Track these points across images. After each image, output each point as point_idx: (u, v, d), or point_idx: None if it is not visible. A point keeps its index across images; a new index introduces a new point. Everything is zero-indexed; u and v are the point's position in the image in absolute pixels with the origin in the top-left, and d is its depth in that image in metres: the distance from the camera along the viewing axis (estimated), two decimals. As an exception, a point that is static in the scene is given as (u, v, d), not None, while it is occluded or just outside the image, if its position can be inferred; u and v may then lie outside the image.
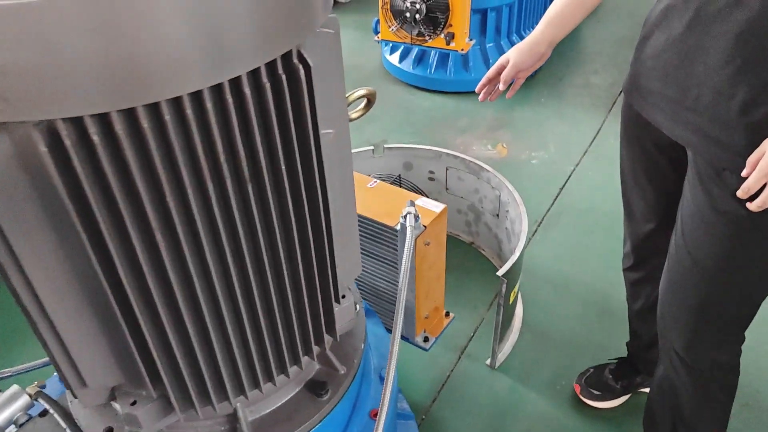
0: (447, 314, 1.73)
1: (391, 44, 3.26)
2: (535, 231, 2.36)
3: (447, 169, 2.19)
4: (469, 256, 2.26)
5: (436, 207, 1.50)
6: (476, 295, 2.09)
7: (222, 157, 0.72)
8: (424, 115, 3.14)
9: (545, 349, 1.91)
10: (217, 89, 0.67)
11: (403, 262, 1.26)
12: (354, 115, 1.13)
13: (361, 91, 1.13)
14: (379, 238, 1.49)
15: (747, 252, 1.12)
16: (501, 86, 1.44)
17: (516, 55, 1.40)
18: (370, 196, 1.55)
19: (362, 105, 1.15)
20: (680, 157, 1.22)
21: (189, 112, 0.66)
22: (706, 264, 1.17)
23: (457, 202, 2.25)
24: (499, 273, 1.61)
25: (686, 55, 1.06)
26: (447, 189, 2.24)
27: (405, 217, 1.37)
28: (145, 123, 0.64)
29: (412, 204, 1.40)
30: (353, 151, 2.17)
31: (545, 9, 3.59)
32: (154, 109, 0.63)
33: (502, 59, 1.42)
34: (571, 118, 3.03)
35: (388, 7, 2.90)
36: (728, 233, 1.11)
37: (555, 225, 2.38)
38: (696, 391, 1.34)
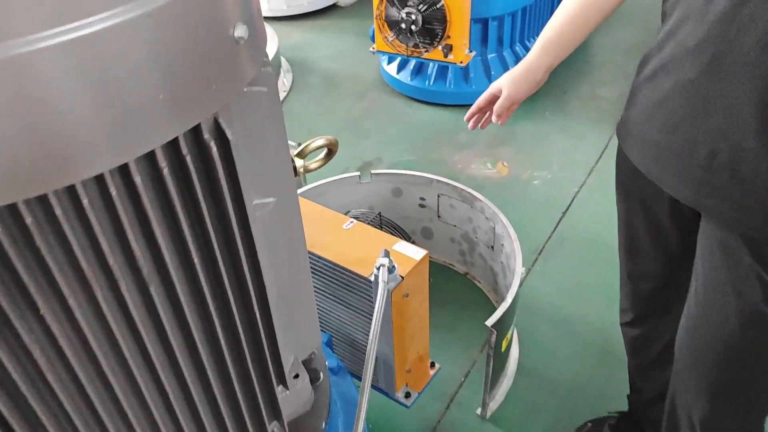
0: (432, 365, 1.59)
1: (388, 54, 3.11)
2: (535, 261, 2.21)
3: (439, 196, 2.05)
4: (464, 289, 2.12)
5: (416, 254, 1.36)
6: (469, 334, 1.94)
7: (110, 260, 0.58)
8: (421, 129, 2.99)
9: (542, 395, 1.76)
10: (103, 178, 0.54)
11: (373, 324, 1.13)
12: (312, 166, 1.00)
13: (320, 141, 1.00)
14: (353, 287, 1.36)
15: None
16: (494, 118, 1.31)
17: (510, 86, 1.26)
18: (344, 240, 1.41)
19: (323, 155, 1.02)
20: (687, 218, 1.07)
21: (85, 201, 0.53)
22: (726, 344, 1.02)
23: (450, 231, 2.11)
24: (488, 323, 1.47)
25: (700, 105, 0.90)
26: (439, 216, 2.10)
27: (378, 269, 1.23)
28: (28, 219, 0.51)
29: (387, 254, 1.26)
30: (342, 176, 2.04)
31: (550, 16, 3.43)
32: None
33: (493, 88, 1.28)
34: (576, 133, 2.86)
35: (383, 17, 2.75)
36: (748, 320, 0.96)
37: (556, 254, 2.23)
38: None
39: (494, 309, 1.98)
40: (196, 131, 0.61)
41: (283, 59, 3.61)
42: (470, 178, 2.64)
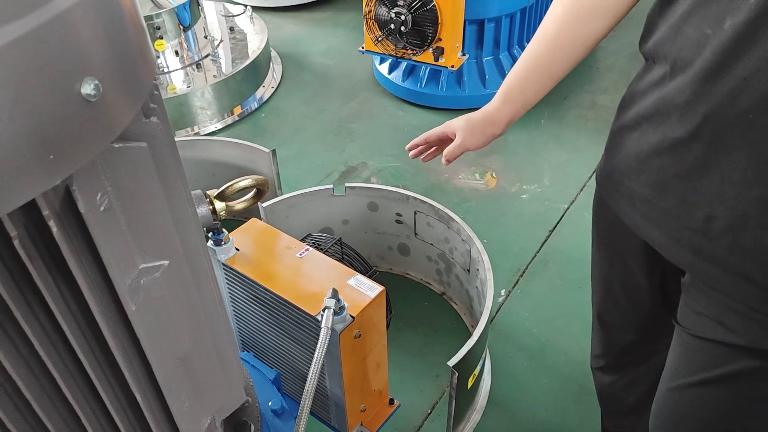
0: (392, 401, 1.49)
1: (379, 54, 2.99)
2: (516, 282, 2.10)
3: (415, 213, 1.94)
4: (439, 310, 2.01)
5: (372, 290, 1.25)
6: (439, 361, 1.83)
7: None
8: (410, 134, 2.86)
9: (512, 432, 1.67)
10: None
11: (311, 371, 1.03)
12: (238, 207, 0.90)
13: (245, 182, 0.90)
14: (301, 324, 1.26)
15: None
16: (443, 160, 1.19)
17: (466, 135, 1.14)
18: (296, 270, 1.31)
19: (250, 194, 0.91)
20: (668, 275, 0.98)
21: None
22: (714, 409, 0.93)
23: (427, 249, 2.00)
24: (450, 363, 1.37)
25: (692, 167, 0.80)
26: (416, 234, 1.99)
27: (323, 312, 1.13)
28: None
29: (335, 294, 1.16)
30: (315, 188, 1.94)
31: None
32: None
33: (447, 128, 1.17)
34: (571, 144, 2.74)
35: (372, 16, 2.63)
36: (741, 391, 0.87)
37: (539, 276, 2.12)
38: None
39: (469, 334, 1.88)
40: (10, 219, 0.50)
41: (274, 53, 3.49)
42: (457, 189, 2.53)
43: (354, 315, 1.20)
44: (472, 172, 2.60)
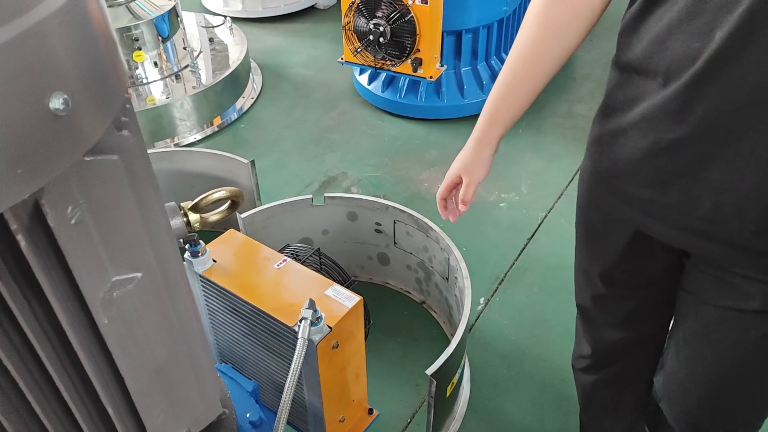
0: (370, 411, 1.50)
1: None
2: (495, 290, 2.12)
3: (395, 222, 1.95)
4: (419, 319, 2.02)
5: (349, 300, 1.26)
6: (419, 370, 1.84)
7: None
8: (390, 144, 2.89)
9: (491, 440, 1.68)
10: None
11: (288, 381, 1.03)
12: (212, 218, 0.90)
13: (220, 194, 0.90)
14: (278, 335, 1.26)
15: None
16: (461, 207, 1.25)
17: (469, 172, 1.20)
18: (273, 281, 1.31)
19: (225, 206, 0.92)
20: (674, 256, 1.03)
21: None
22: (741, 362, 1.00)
23: (406, 258, 2.01)
24: (428, 372, 1.37)
25: (692, 163, 0.84)
26: (395, 243, 2.00)
27: (300, 323, 1.14)
28: None
29: (312, 305, 1.16)
30: (293, 199, 1.94)
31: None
32: None
33: (452, 177, 1.22)
34: (548, 152, 2.77)
35: (351, 27, 2.65)
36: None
37: (518, 284, 2.14)
38: None
39: (448, 343, 1.89)
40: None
41: (253, 64, 3.50)
42: (435, 197, 2.54)
43: (331, 325, 1.20)
44: (452, 182, 2.62)
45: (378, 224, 1.98)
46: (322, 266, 1.50)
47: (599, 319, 1.22)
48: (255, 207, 2.19)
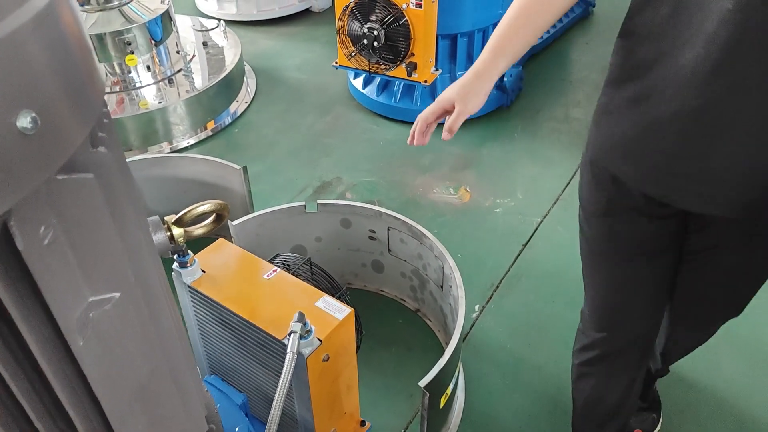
0: (363, 423, 1.47)
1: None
2: (490, 297, 2.09)
3: (389, 229, 1.93)
4: (413, 327, 2.00)
5: (340, 312, 1.24)
6: (413, 379, 1.81)
7: None
8: (385, 148, 2.87)
9: (486, 451, 1.65)
10: None
11: (276, 396, 1.01)
12: (197, 232, 0.88)
13: (204, 207, 0.88)
14: (268, 348, 1.23)
15: None
16: (445, 134, 1.21)
17: (464, 101, 1.16)
18: (263, 292, 1.29)
19: (210, 219, 0.90)
20: (681, 215, 1.08)
21: None
22: None
23: (401, 265, 1.99)
24: (421, 384, 1.35)
25: (712, 126, 0.88)
26: (389, 250, 1.98)
27: (289, 335, 1.11)
28: None
29: (302, 318, 1.14)
30: (286, 206, 1.92)
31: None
32: None
33: (444, 102, 1.18)
34: (544, 158, 2.76)
35: (345, 32, 2.63)
36: None
37: (513, 290, 2.12)
38: None
39: (443, 352, 1.87)
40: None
41: (248, 67, 3.47)
42: (431, 203, 2.52)
43: (322, 338, 1.18)
44: (446, 187, 2.60)
45: (372, 231, 1.96)
46: (313, 275, 1.47)
47: (628, 309, 1.24)
48: (247, 213, 2.17)
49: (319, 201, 1.93)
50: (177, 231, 0.85)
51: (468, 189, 2.58)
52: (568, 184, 2.58)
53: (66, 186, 0.58)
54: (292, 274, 1.44)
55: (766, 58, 0.79)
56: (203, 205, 0.88)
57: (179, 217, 0.86)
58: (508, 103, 3.01)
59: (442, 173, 2.68)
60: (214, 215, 0.89)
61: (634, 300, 1.22)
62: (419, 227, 1.81)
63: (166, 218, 0.87)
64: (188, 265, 1.31)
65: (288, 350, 1.08)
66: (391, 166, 2.75)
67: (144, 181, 2.24)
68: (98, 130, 0.65)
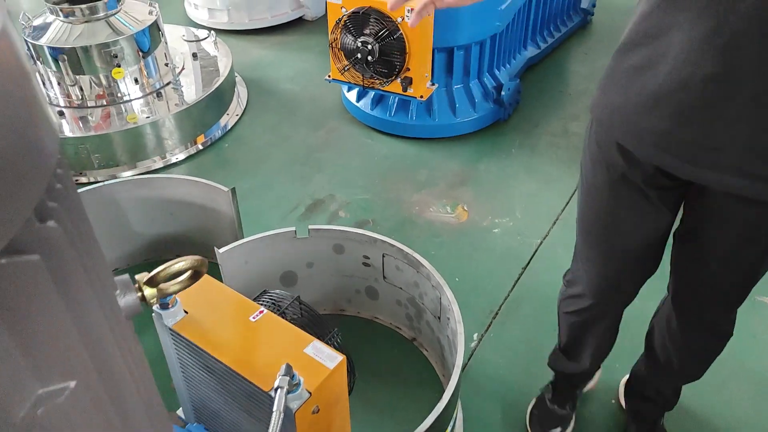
0: (356, 470, 1.39)
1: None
2: (489, 325, 2.02)
3: (384, 255, 1.85)
4: (410, 358, 1.92)
5: (331, 360, 1.16)
6: (410, 416, 1.73)
7: None
8: (380, 164, 2.79)
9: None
10: None
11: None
12: (171, 289, 0.80)
13: (180, 265, 0.80)
14: (254, 398, 1.15)
15: None
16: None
17: None
18: (248, 336, 1.21)
19: (186, 276, 0.82)
20: (681, 189, 1.13)
21: None
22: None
23: (396, 293, 1.91)
24: (418, 431, 1.27)
25: (720, 95, 0.90)
26: (384, 277, 1.90)
27: (275, 392, 1.03)
28: None
29: (289, 371, 1.05)
30: (275, 232, 1.83)
31: (522, 44, 3.22)
32: None
33: None
34: (542, 174, 2.68)
35: (338, 45, 2.55)
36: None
37: (513, 317, 2.04)
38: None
39: (441, 386, 1.79)
40: None
41: (239, 78, 3.39)
42: (428, 222, 2.44)
43: (311, 390, 1.10)
44: (443, 205, 2.52)
45: (366, 257, 1.88)
46: (303, 315, 1.39)
47: (628, 269, 1.29)
48: (236, 236, 2.09)
49: (310, 226, 1.85)
50: (149, 291, 0.77)
51: (465, 207, 2.50)
52: (567, 202, 2.50)
53: (4, 271, 0.50)
54: (281, 314, 1.36)
55: None
56: (178, 262, 0.80)
57: (152, 277, 0.78)
58: (506, 116, 2.94)
59: (438, 190, 2.60)
60: (190, 272, 0.81)
61: (628, 275, 1.30)
62: (416, 255, 1.73)
63: (137, 277, 0.79)
64: (169, 306, 1.23)
65: (274, 408, 1.00)
66: (386, 183, 2.67)
67: (129, 203, 2.15)
68: (48, 201, 0.57)
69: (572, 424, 1.69)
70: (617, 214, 1.19)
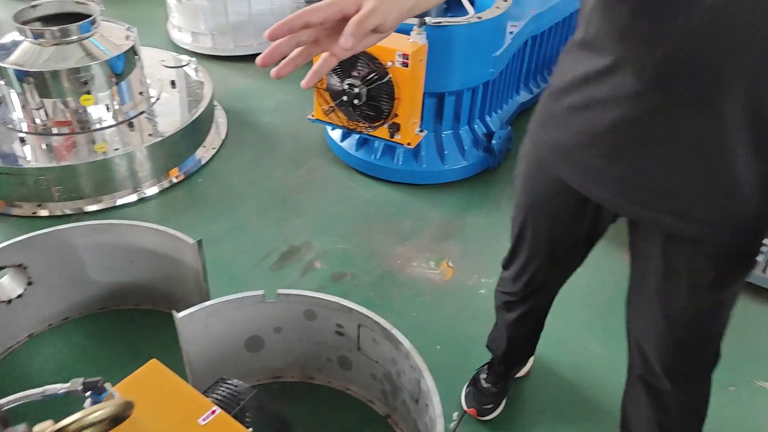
0: None
1: (331, 120, 2.76)
2: (471, 401, 1.86)
3: (359, 326, 1.69)
4: (382, 437, 1.75)
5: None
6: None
7: None
8: (362, 210, 2.64)
9: None
10: None
11: None
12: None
13: (98, 414, 0.64)
14: None
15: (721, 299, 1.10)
16: (345, 39, 0.69)
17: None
18: (195, 448, 1.04)
19: (104, 424, 0.66)
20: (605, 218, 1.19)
21: None
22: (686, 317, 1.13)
23: (371, 366, 1.74)
24: None
25: (655, 139, 0.93)
26: (359, 348, 1.74)
27: None
28: None
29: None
30: (242, 295, 1.67)
31: (515, 89, 3.10)
32: None
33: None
34: (533, 230, 2.54)
35: (324, 86, 2.41)
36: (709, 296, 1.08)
37: (497, 393, 1.88)
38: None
39: (414, 475, 1.62)
40: None
41: (219, 109, 3.23)
42: (410, 278, 2.29)
43: None
44: (427, 260, 2.37)
45: (340, 326, 1.72)
46: (260, 411, 1.22)
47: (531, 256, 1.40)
48: (200, 289, 1.92)
49: (279, 291, 1.68)
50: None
51: (450, 264, 2.35)
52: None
53: None
54: (238, 410, 1.19)
55: (698, 79, 0.84)
56: (96, 411, 0.64)
57: (62, 428, 0.62)
58: (495, 165, 2.81)
59: (422, 243, 2.45)
60: (109, 421, 0.65)
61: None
62: (394, 332, 1.58)
63: (44, 425, 0.63)
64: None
65: None
66: (368, 232, 2.52)
67: (87, 249, 1.98)
68: None
69: (503, 403, 1.83)
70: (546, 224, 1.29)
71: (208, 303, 1.64)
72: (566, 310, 2.00)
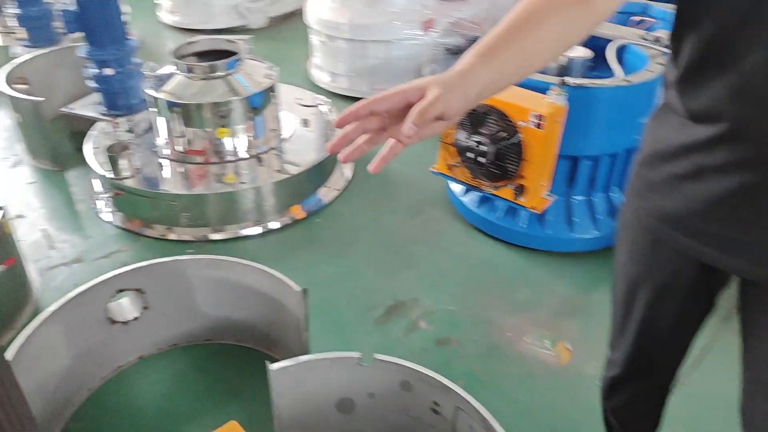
0: None
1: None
2: None
3: (456, 408, 1.54)
4: None
5: None
6: None
7: None
8: (476, 271, 2.49)
9: None
10: None
11: None
12: None
13: None
14: None
15: None
16: (406, 128, 0.77)
17: (441, 87, 0.79)
18: None
19: None
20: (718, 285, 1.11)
21: None
22: None
23: (465, 453, 1.58)
24: None
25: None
26: (454, 431, 1.59)
27: None
28: None
29: None
30: (338, 355, 1.59)
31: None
32: None
33: (410, 86, 0.79)
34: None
35: (450, 140, 2.32)
36: None
37: None
38: None
39: None
40: None
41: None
42: (520, 355, 2.10)
43: None
44: (542, 337, 2.17)
45: (436, 404, 1.58)
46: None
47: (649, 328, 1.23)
48: (300, 336, 1.88)
49: (376, 356, 1.59)
50: None
51: (568, 346, 2.13)
52: (704, 358, 2.06)
53: None
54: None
55: None
56: None
57: None
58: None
59: (538, 317, 2.25)
60: None
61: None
62: (495, 424, 1.41)
63: None
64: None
65: None
66: (480, 296, 2.36)
67: (199, 281, 2.02)
68: None
69: None
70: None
71: (303, 359, 1.58)
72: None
